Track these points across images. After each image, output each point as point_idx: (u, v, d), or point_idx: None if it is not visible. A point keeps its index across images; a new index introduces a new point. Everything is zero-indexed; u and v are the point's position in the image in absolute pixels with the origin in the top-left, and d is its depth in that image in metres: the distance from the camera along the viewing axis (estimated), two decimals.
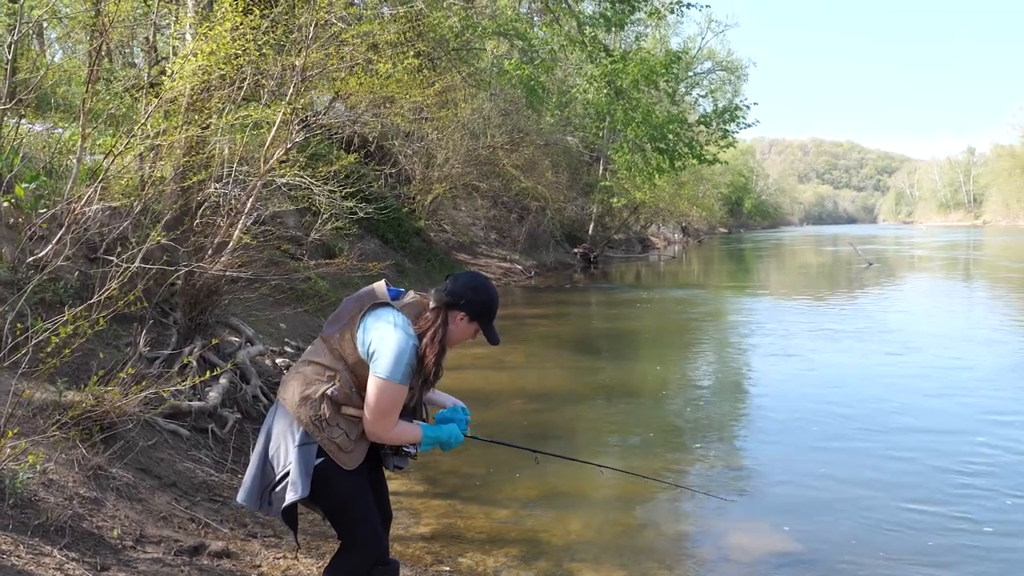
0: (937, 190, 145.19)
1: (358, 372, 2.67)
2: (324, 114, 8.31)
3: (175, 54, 6.62)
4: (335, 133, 10.75)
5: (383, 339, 2.62)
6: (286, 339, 8.79)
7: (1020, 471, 5.46)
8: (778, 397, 7.85)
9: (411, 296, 2.82)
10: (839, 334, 11.69)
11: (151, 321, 5.79)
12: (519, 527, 4.55)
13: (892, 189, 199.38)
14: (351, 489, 2.71)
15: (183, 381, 4.53)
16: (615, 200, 31.18)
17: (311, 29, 6.60)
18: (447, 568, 3.97)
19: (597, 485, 5.28)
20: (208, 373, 4.69)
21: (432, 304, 2.74)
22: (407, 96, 9.20)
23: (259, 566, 3.66)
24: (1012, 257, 32.62)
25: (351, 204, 10.61)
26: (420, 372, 2.74)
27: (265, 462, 2.71)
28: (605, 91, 23.82)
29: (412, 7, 12.17)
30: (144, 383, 4.22)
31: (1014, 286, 20.38)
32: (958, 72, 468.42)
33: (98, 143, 7.17)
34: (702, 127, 29.54)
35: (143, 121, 5.06)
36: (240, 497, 2.76)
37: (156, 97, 5.29)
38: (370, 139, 17.73)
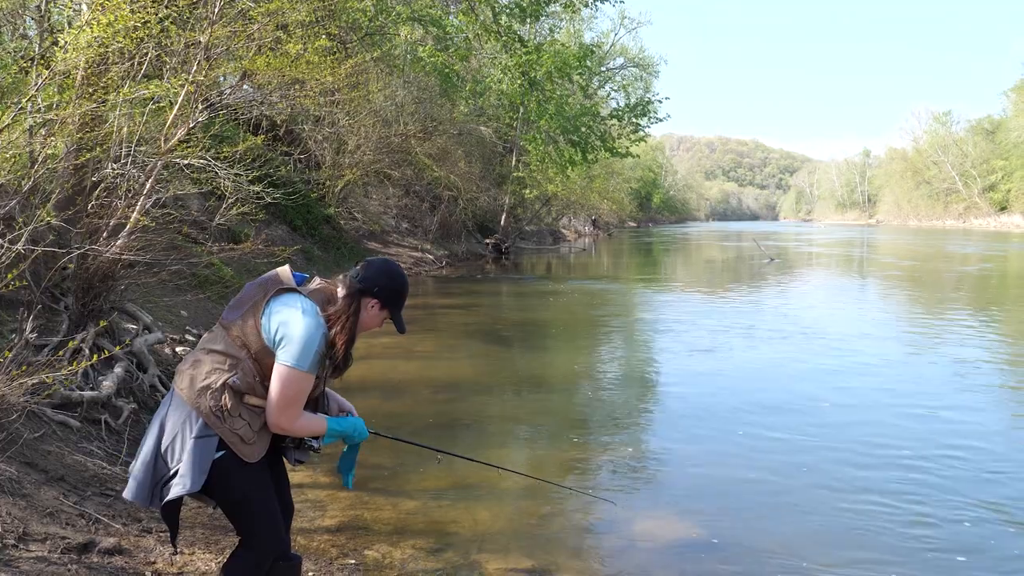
0: (835, 190, 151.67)
1: (262, 360, 2.57)
2: (230, 94, 8.01)
3: (70, 26, 6.26)
4: (242, 114, 10.41)
5: (291, 326, 2.52)
6: (187, 327, 8.48)
7: (918, 453, 5.73)
8: (684, 388, 8.02)
9: (317, 282, 2.73)
10: (743, 327, 12.04)
11: (39, 306, 5.47)
12: (427, 518, 4.51)
13: (793, 188, 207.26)
14: (252, 483, 2.61)
15: (72, 368, 4.29)
16: (527, 191, 31.34)
17: (216, 4, 6.35)
18: (352, 561, 3.89)
19: (505, 478, 5.26)
20: (95, 358, 4.44)
21: (343, 291, 2.66)
22: (317, 78, 8.97)
23: (154, 563, 3.51)
24: (900, 255, 34.33)
25: (258, 188, 10.31)
26: (329, 361, 2.66)
27: (157, 456, 2.57)
28: (519, 81, 23.89)
29: None
30: (28, 370, 3.97)
31: (901, 281, 21.46)
32: (858, 78, 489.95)
33: None
34: (614, 121, 29.98)
35: (32, 93, 4.77)
36: (127, 493, 2.61)
37: (47, 69, 4.99)
38: (279, 122, 17.28)
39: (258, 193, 10.45)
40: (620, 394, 8.08)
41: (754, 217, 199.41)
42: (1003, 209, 79.53)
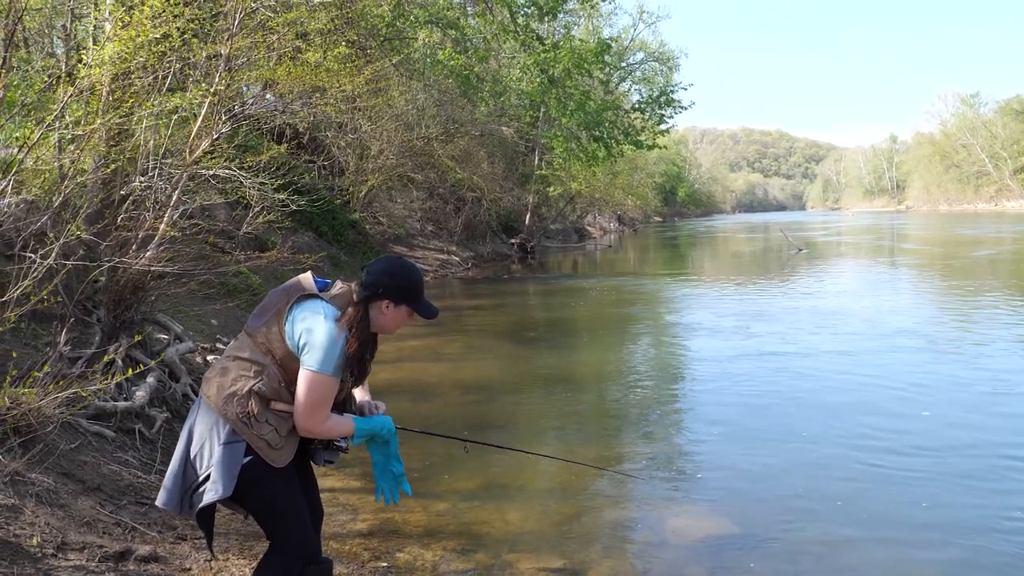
0: (862, 177, 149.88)
1: (287, 366, 2.60)
2: (252, 104, 8.10)
3: (94, 42, 6.37)
4: (265, 124, 10.52)
5: (314, 331, 2.56)
6: (217, 335, 8.58)
7: (952, 449, 5.64)
8: (717, 384, 7.96)
9: (339, 287, 2.76)
10: (772, 319, 11.94)
11: (72, 319, 5.57)
12: (457, 520, 4.52)
13: (819, 176, 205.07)
14: (281, 487, 2.64)
15: (105, 380, 4.36)
16: (551, 189, 31.30)
17: (236, 16, 6.42)
18: (384, 564, 3.91)
19: (535, 475, 5.28)
20: (130, 371, 4.51)
21: (354, 298, 2.69)
22: (337, 85, 9.03)
23: (189, 569, 3.55)
24: (931, 242, 33.85)
25: (283, 196, 10.41)
26: (348, 367, 2.69)
27: (187, 463, 2.61)
28: (539, 80, 23.86)
29: None
30: (63, 383, 4.05)
31: (934, 269, 21.14)
32: (882, 63, 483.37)
33: (14, 135, 6.87)
34: (637, 114, 29.81)
35: (58, 110, 4.85)
36: (160, 500, 2.66)
37: (72, 86, 5.07)
38: (302, 130, 17.42)
39: (283, 201, 10.55)
40: (652, 391, 8.04)
41: (781, 207, 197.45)
42: None
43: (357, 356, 2.66)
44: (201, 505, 2.56)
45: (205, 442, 2.59)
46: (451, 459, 5.37)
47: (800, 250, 28.67)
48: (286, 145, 11.81)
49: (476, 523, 4.47)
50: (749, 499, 4.79)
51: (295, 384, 2.58)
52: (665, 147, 35.34)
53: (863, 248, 31.95)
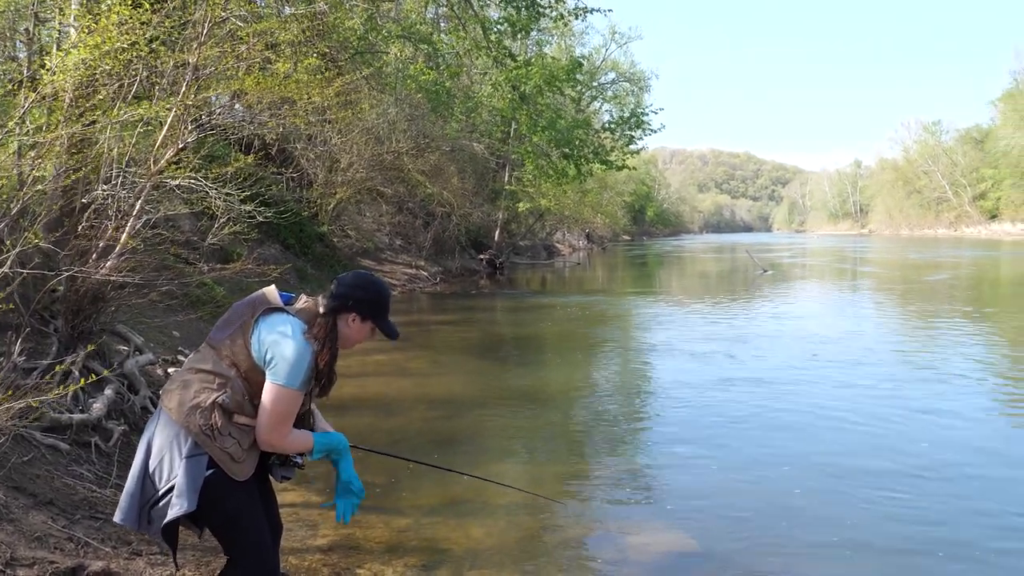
0: (827, 200, 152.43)
1: (252, 379, 2.58)
2: (220, 114, 8.02)
3: (58, 48, 6.28)
4: (233, 134, 10.42)
5: (281, 345, 2.54)
6: (179, 347, 8.45)
7: (920, 464, 5.71)
8: (681, 402, 8.00)
9: (303, 300, 2.75)
10: (738, 340, 12.05)
11: (28, 329, 5.45)
12: (420, 536, 4.48)
13: (786, 199, 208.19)
14: (242, 501, 2.61)
15: (60, 392, 4.27)
16: (520, 205, 31.39)
17: (205, 26, 6.38)
18: None
19: (498, 492, 5.24)
20: (83, 381, 4.41)
21: (321, 310, 2.67)
22: (307, 97, 8.99)
23: None
24: (892, 266, 34.47)
25: (250, 208, 10.30)
26: (315, 380, 2.67)
27: (145, 476, 2.57)
28: (510, 96, 23.98)
29: (313, 5, 11.93)
30: (16, 394, 3.95)
31: (894, 292, 21.52)
32: (849, 89, 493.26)
33: None
34: (608, 134, 30.06)
35: (19, 116, 4.77)
36: (117, 516, 2.61)
37: (34, 91, 4.99)
38: (270, 141, 17.31)
39: (250, 212, 10.44)
40: (616, 408, 8.06)
41: (747, 229, 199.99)
42: (993, 217, 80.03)
43: (328, 368, 2.65)
44: (167, 521, 2.52)
45: (165, 455, 2.55)
46: (414, 476, 5.32)
47: (765, 271, 29.00)
48: (254, 156, 11.71)
49: (438, 539, 4.44)
50: (710, 517, 4.81)
51: (259, 397, 2.57)
52: (634, 168, 35.65)
53: (826, 271, 32.43)
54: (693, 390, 8.41)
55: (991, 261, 34.47)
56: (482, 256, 30.60)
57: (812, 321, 14.45)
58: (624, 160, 29.66)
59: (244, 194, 9.29)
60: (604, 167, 29.24)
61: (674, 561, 4.18)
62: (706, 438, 6.56)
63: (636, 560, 4.20)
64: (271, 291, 2.73)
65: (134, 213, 5.97)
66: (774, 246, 62.26)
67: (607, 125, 30.96)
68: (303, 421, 2.74)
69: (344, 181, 19.93)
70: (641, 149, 31.77)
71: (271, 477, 2.82)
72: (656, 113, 29.83)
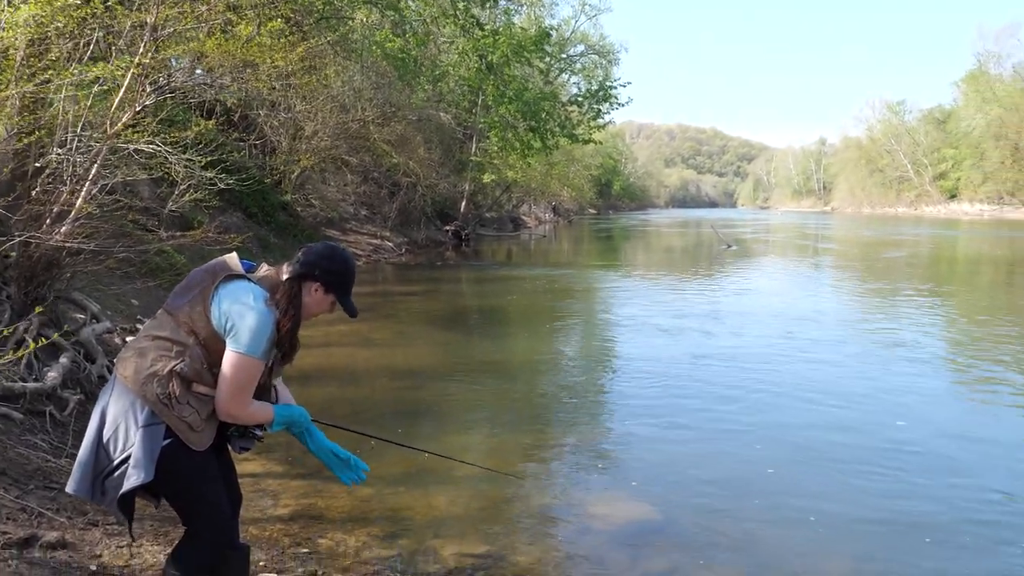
0: (791, 177, 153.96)
1: (211, 347, 2.52)
2: (179, 77, 7.83)
3: (8, 3, 6.06)
4: (193, 98, 10.19)
5: (242, 313, 2.49)
6: (138, 316, 8.31)
7: (875, 436, 5.82)
8: (644, 374, 8.05)
9: (265, 269, 2.69)
10: (701, 313, 12.15)
11: None
12: (382, 505, 4.47)
13: (751, 175, 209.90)
14: (199, 471, 2.56)
15: (11, 357, 4.16)
16: (487, 177, 31.24)
17: None
18: (305, 550, 3.84)
19: (463, 464, 5.25)
20: (34, 345, 4.31)
21: (285, 275, 2.63)
22: (270, 61, 8.80)
23: (99, 556, 3.42)
24: (853, 243, 34.99)
25: (211, 174, 10.11)
26: (277, 347, 2.63)
27: (99, 446, 2.50)
28: (477, 65, 23.76)
29: None
30: None
31: (854, 267, 21.86)
32: (816, 66, 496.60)
33: None
34: (575, 107, 29.95)
35: None
36: (70, 487, 2.54)
37: None
38: (232, 106, 16.99)
39: (211, 179, 10.25)
40: (580, 380, 8.10)
41: (712, 204, 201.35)
42: (953, 197, 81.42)
43: (290, 334, 2.61)
44: (122, 491, 2.46)
45: (120, 425, 2.49)
46: (377, 446, 5.25)
47: (730, 247, 29.26)
48: (215, 122, 11.49)
49: (401, 509, 4.43)
50: (675, 489, 4.85)
51: (218, 366, 2.51)
52: (601, 142, 35.61)
53: (789, 247, 32.80)
54: (658, 364, 8.47)
55: (949, 240, 35.13)
56: (448, 227, 30.45)
57: (775, 297, 14.63)
58: (591, 134, 29.62)
59: (205, 160, 9.10)
60: (570, 141, 29.19)
61: (637, 531, 4.22)
62: (671, 412, 6.61)
63: (599, 530, 4.22)
64: (232, 258, 2.67)
65: (90, 178, 5.81)
66: (738, 222, 62.80)
67: (575, 98, 30.86)
68: (264, 393, 2.69)
69: (308, 149, 19.65)
70: (608, 123, 31.75)
71: (230, 448, 2.77)
72: (624, 87, 29.72)
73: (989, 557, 3.96)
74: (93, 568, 3.31)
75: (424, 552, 3.88)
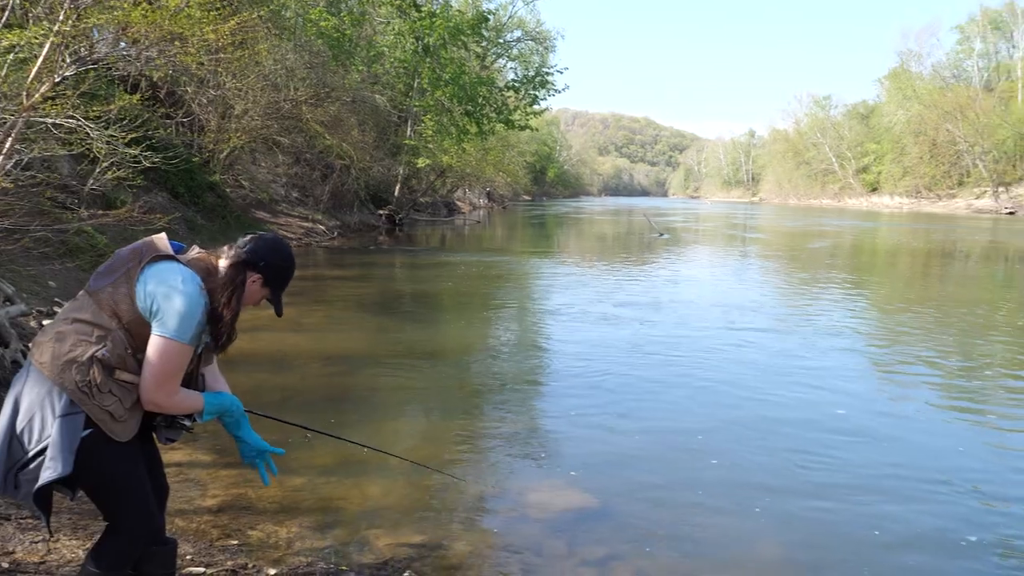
0: (721, 168, 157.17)
1: (135, 331, 2.38)
2: (102, 48, 7.48)
3: None
4: (116, 71, 9.78)
5: (169, 295, 2.35)
6: (55, 298, 7.95)
7: (813, 428, 5.94)
8: (577, 361, 8.09)
9: (196, 251, 2.56)
10: (634, 300, 12.27)
11: None
12: (314, 495, 4.36)
13: (682, 165, 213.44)
14: (123, 463, 2.43)
15: None
16: (421, 161, 30.95)
17: None
18: (235, 542, 3.72)
19: (395, 449, 5.17)
20: None
21: (226, 261, 2.51)
22: (199, 34, 8.49)
23: (12, 552, 3.25)
24: (779, 233, 35.87)
25: (135, 152, 9.76)
26: (214, 335, 2.51)
27: (12, 437, 2.35)
28: (413, 47, 23.46)
29: None
30: None
31: (780, 257, 22.41)
32: (748, 60, 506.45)
33: None
34: (511, 92, 29.87)
35: None
36: None
37: None
38: (158, 82, 16.41)
39: (135, 157, 9.89)
40: (515, 368, 8.09)
41: (644, 193, 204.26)
42: (874, 190, 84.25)
43: (230, 323, 2.50)
44: (40, 484, 2.31)
45: (36, 414, 2.34)
46: (305, 433, 5.15)
47: (662, 235, 29.66)
48: (140, 97, 11.06)
49: (334, 499, 4.33)
50: (609, 475, 4.86)
51: (143, 351, 2.37)
52: (537, 129, 35.62)
53: (719, 236, 33.43)
54: (595, 353, 8.51)
55: (869, 232, 36.29)
56: (381, 211, 30.11)
57: (707, 286, 14.87)
58: (527, 120, 29.59)
59: (129, 137, 8.77)
60: (507, 127, 29.12)
61: (573, 518, 4.21)
62: (608, 401, 6.63)
63: (536, 518, 4.20)
64: (161, 238, 2.53)
65: (4, 151, 5.52)
66: (670, 211, 63.77)
67: (511, 83, 30.77)
68: (192, 381, 2.57)
69: (238, 128, 19.14)
70: (545, 109, 31.76)
71: (155, 438, 2.64)
72: (561, 73, 29.76)
73: (929, 540, 4.07)
74: (5, 566, 3.14)
75: (358, 543, 3.80)
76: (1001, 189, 61.53)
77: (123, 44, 10.06)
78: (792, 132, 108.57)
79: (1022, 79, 64.89)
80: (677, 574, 3.63)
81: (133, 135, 9.26)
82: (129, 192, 12.83)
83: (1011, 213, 54.44)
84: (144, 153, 10.02)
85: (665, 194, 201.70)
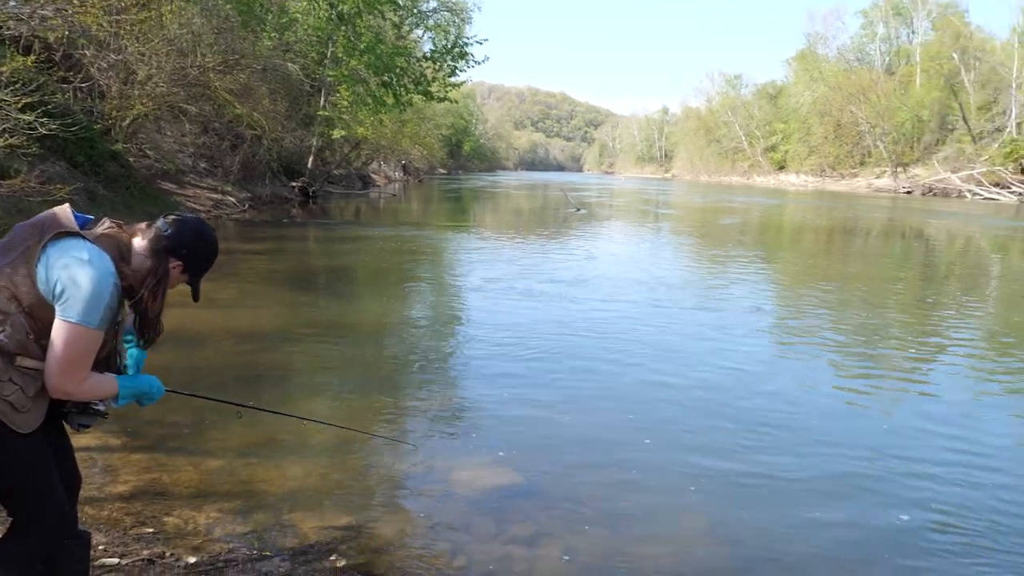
0: (635, 144, 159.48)
1: (37, 315, 2.18)
2: None
3: None
4: (7, 30, 9.19)
5: (74, 276, 2.15)
6: None
7: (741, 404, 6.07)
8: (495, 335, 8.06)
9: (106, 225, 2.37)
10: (555, 276, 12.33)
11: None
12: (233, 478, 4.22)
13: (597, 141, 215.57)
14: (27, 456, 2.25)
15: None
16: (336, 132, 30.26)
17: None
18: (150, 529, 3.56)
19: (316, 431, 5.04)
20: None
21: (143, 242, 2.35)
22: None
23: None
24: (690, 209, 36.68)
25: (29, 118, 9.21)
26: (141, 330, 2.37)
27: None
28: (327, 14, 22.83)
29: None
30: None
31: (693, 232, 22.93)
32: (662, 36, 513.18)
33: None
34: (429, 63, 29.45)
35: None
36: None
37: None
38: (54, 44, 15.51)
39: (30, 123, 9.34)
40: (430, 342, 8.02)
41: (560, 168, 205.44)
42: (781, 168, 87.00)
43: (157, 317, 2.35)
44: None
45: None
46: (224, 414, 4.97)
47: (579, 210, 29.90)
48: (34, 59, 10.43)
49: (254, 481, 4.20)
50: (535, 451, 4.85)
51: (46, 337, 2.19)
52: (456, 101, 35.27)
53: (633, 212, 33.95)
54: (516, 329, 8.50)
55: (776, 209, 37.45)
56: (294, 184, 29.36)
57: (625, 263, 15.06)
58: (447, 92, 29.24)
59: (22, 102, 8.26)
60: (425, 98, 28.72)
61: (499, 496, 4.19)
62: (522, 373, 6.64)
63: (463, 496, 4.16)
64: (64, 211, 2.32)
65: None
66: (585, 186, 64.33)
67: (429, 54, 30.33)
68: (107, 364, 2.40)
69: (142, 95, 18.28)
70: (464, 81, 31.46)
71: (66, 425, 2.47)
72: (480, 44, 29.42)
73: (848, 504, 4.22)
74: None
75: (281, 527, 3.70)
76: (899, 169, 64.28)
77: (13, 2, 9.43)
78: (704, 110, 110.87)
79: (921, 64, 67.68)
80: (607, 550, 3.66)
81: (27, 100, 8.73)
82: (24, 161, 12.10)
83: (908, 192, 57.02)
84: (40, 119, 9.48)
85: (580, 169, 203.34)
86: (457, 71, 29.17)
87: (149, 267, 2.33)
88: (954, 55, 62.32)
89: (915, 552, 3.77)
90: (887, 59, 77.66)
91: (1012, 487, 4.56)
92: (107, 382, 2.35)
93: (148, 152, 20.67)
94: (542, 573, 3.44)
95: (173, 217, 2.45)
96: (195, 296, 2.53)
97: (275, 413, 3.87)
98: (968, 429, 5.58)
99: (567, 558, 3.56)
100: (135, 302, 2.33)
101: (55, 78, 15.32)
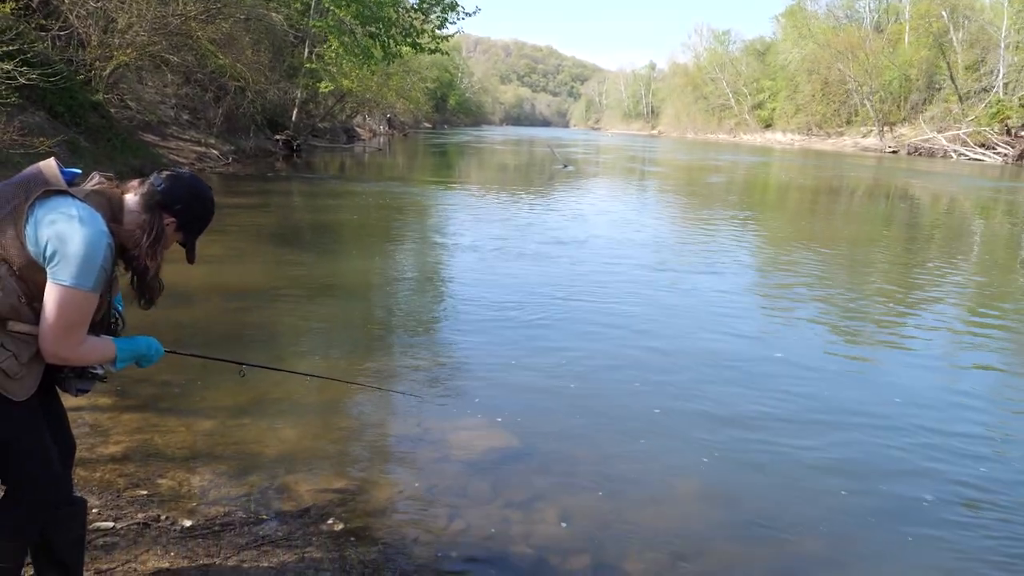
0: (622, 100, 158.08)
1: (28, 278, 2.09)
2: None
3: None
4: None
5: (66, 237, 2.06)
6: None
7: (729, 366, 6.08)
8: (484, 292, 8.01)
9: (96, 181, 2.26)
10: (540, 232, 12.25)
11: None
12: (227, 439, 4.18)
13: (584, 96, 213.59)
14: (21, 423, 2.19)
15: None
16: (321, 85, 29.75)
17: None
18: (144, 492, 3.52)
19: (309, 390, 5.02)
20: None
21: (136, 198, 2.25)
22: None
23: None
24: (677, 167, 36.54)
25: (7, 67, 8.95)
26: (139, 290, 2.30)
27: None
28: None
29: None
30: None
31: (680, 190, 22.85)
32: None
33: None
34: (419, 14, 28.89)
35: None
36: None
37: None
38: None
39: (8, 72, 9.08)
40: (418, 298, 7.97)
41: (546, 123, 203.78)
42: (768, 126, 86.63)
43: (157, 274, 2.28)
44: None
45: None
46: (217, 374, 4.90)
47: (566, 167, 29.69)
48: (12, 5, 10.11)
49: (248, 443, 4.16)
50: (531, 415, 4.82)
51: (39, 300, 2.10)
52: (447, 52, 34.70)
53: (619, 169, 33.78)
54: (497, 281, 8.46)
55: (763, 167, 37.36)
56: (278, 137, 28.96)
57: (610, 216, 14.97)
58: (437, 44, 28.75)
59: (0, 50, 8.02)
60: (414, 50, 28.23)
61: (496, 459, 4.17)
62: (516, 334, 6.59)
63: (458, 459, 4.14)
64: (49, 167, 2.21)
65: None
66: (571, 142, 63.87)
67: (418, 5, 29.73)
68: (102, 327, 2.33)
69: (122, 44, 17.84)
70: (456, 32, 30.90)
71: (62, 390, 2.40)
72: None
73: (844, 465, 4.24)
74: None
75: (277, 489, 3.67)
76: (886, 129, 64.18)
77: None
78: (692, 66, 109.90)
79: (909, 22, 67.20)
80: (602, 513, 3.66)
81: (5, 48, 8.47)
82: (2, 111, 11.81)
83: (894, 152, 56.99)
84: (18, 67, 9.22)
85: (567, 125, 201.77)
86: (447, 23, 28.65)
87: (142, 223, 2.24)
88: (943, 13, 61.83)
89: (923, 522, 3.80)
90: (876, 16, 77.03)
91: None
92: (105, 345, 2.28)
93: (130, 103, 20.28)
94: (540, 538, 3.43)
95: (168, 173, 2.36)
96: (190, 257, 2.43)
97: (277, 370, 3.83)
98: (983, 399, 5.60)
99: (564, 524, 3.55)
100: (131, 262, 2.25)
101: (33, 25, 14.91)
